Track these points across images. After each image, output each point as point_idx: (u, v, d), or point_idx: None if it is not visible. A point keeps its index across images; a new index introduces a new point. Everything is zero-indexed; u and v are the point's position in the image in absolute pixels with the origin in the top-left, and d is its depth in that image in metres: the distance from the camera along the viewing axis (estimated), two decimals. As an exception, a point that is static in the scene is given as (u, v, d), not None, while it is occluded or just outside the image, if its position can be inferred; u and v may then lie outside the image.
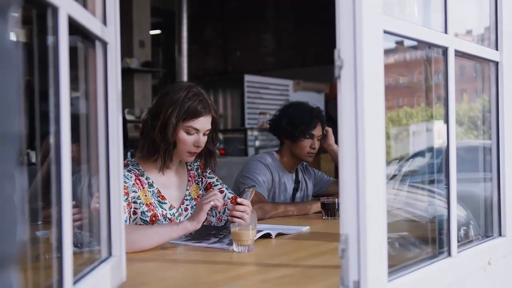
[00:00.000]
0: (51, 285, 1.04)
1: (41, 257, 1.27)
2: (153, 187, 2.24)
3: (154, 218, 2.18)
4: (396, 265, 1.35)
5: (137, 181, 2.18)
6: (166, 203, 2.25)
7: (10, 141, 0.56)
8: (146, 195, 2.20)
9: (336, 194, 2.99)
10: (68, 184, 1.03)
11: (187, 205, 2.34)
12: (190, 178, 2.40)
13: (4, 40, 0.55)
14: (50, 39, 1.03)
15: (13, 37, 0.58)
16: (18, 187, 0.58)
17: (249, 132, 7.54)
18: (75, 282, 1.10)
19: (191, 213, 2.30)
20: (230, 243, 1.93)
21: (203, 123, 2.22)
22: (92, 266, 1.28)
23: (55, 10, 1.01)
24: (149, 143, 2.21)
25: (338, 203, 2.69)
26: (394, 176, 2.37)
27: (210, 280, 1.57)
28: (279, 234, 2.20)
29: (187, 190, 2.36)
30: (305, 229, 2.38)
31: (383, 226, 1.24)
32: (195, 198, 2.37)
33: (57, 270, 1.02)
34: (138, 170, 2.23)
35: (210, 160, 2.37)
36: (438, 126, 1.94)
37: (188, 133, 2.20)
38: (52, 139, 1.03)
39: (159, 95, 2.30)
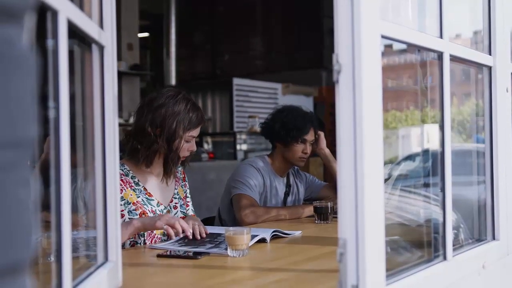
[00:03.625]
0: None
1: (38, 262, 1.26)
2: (140, 185, 2.31)
3: (143, 216, 2.25)
4: (393, 269, 1.35)
5: (120, 181, 2.20)
6: (153, 199, 2.32)
7: (25, 147, 0.56)
8: (131, 195, 2.26)
9: (327, 198, 2.99)
10: (67, 188, 1.02)
11: (175, 203, 2.43)
12: (177, 179, 2.50)
13: (19, 45, 0.55)
14: (49, 43, 1.03)
15: (28, 42, 0.58)
16: (32, 192, 0.58)
17: (238, 136, 7.51)
18: (73, 287, 1.09)
19: (180, 211, 2.43)
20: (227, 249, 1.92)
21: (199, 130, 2.38)
22: (89, 271, 1.27)
23: (54, 13, 1.01)
24: (152, 153, 2.28)
25: (330, 207, 2.69)
26: (386, 180, 2.38)
27: (206, 284, 1.57)
28: (274, 236, 2.20)
29: (175, 189, 2.46)
30: (298, 233, 2.38)
31: (381, 230, 1.24)
32: (182, 198, 2.47)
33: (56, 274, 1.01)
34: (123, 170, 2.26)
35: (188, 157, 2.44)
36: (428, 129, 1.95)
37: (187, 141, 2.33)
38: (51, 143, 1.02)
39: (153, 104, 2.29)
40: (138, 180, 2.31)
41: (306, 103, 7.40)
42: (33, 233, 0.57)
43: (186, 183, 2.55)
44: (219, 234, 2.20)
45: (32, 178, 0.59)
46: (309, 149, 3.06)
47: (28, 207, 0.56)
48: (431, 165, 1.86)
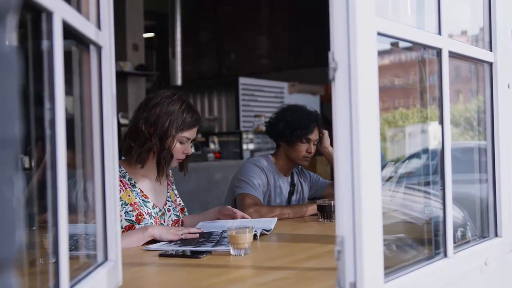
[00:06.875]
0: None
1: (38, 262, 1.27)
2: (136, 187, 2.34)
3: (140, 217, 2.29)
4: (392, 266, 1.35)
5: (119, 181, 2.22)
6: (149, 201, 2.36)
7: (9, 146, 0.56)
8: (129, 196, 2.30)
9: (332, 197, 2.99)
10: (64, 188, 1.03)
11: (169, 206, 2.48)
12: (169, 182, 2.54)
13: (2, 45, 0.56)
14: (44, 44, 1.03)
15: (11, 42, 0.58)
16: (16, 191, 0.58)
17: (244, 135, 7.51)
18: (71, 287, 1.09)
19: (173, 214, 2.47)
20: (228, 246, 1.92)
21: (194, 132, 2.40)
22: (88, 270, 1.28)
23: (49, 14, 1.01)
24: (145, 152, 2.31)
25: (334, 206, 2.69)
26: (390, 177, 2.38)
27: (207, 283, 1.57)
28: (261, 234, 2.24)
29: (168, 192, 2.50)
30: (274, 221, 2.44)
31: (379, 227, 1.24)
32: (173, 201, 2.51)
33: (53, 274, 1.01)
34: (120, 172, 2.28)
35: (187, 162, 2.47)
36: (434, 127, 1.94)
37: (181, 142, 2.35)
38: (47, 144, 1.02)
39: (149, 104, 2.34)
40: (134, 182, 2.34)
41: (312, 102, 7.40)
42: (17, 231, 0.58)
43: (174, 186, 2.59)
44: (212, 233, 2.21)
45: (17, 177, 0.59)
46: (313, 149, 3.05)
47: (13, 206, 0.57)
48: (436, 163, 1.86)
